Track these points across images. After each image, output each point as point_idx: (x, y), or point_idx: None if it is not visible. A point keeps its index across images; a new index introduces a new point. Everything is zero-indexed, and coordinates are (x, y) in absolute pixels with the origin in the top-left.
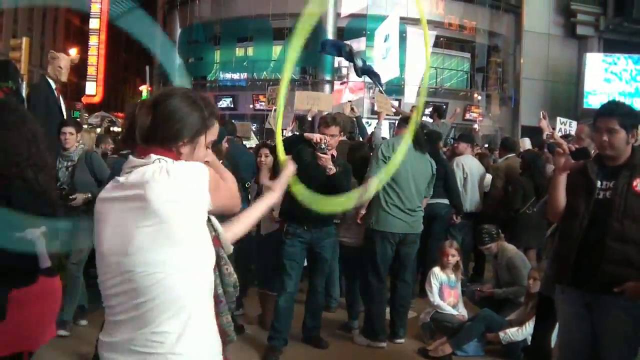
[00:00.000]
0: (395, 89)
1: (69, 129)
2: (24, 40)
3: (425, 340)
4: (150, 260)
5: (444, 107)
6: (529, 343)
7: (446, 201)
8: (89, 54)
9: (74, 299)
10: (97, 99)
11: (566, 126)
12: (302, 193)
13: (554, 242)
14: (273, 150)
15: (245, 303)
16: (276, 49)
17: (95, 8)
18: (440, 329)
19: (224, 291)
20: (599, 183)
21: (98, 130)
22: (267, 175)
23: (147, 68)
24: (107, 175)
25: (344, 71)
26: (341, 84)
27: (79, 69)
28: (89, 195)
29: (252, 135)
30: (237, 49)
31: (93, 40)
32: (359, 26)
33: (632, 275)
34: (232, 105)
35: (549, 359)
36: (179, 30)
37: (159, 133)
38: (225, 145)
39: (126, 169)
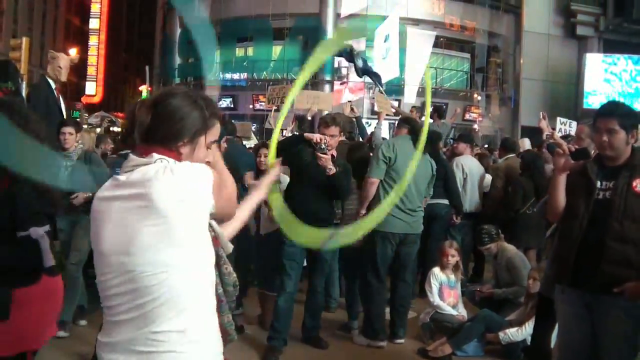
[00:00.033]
0: (395, 89)
1: (69, 129)
2: (24, 40)
3: (425, 340)
4: (153, 260)
5: (444, 107)
6: (529, 343)
7: (446, 201)
8: (89, 54)
9: (73, 299)
10: (97, 99)
11: (566, 126)
12: (280, 212)
13: (553, 242)
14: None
15: (245, 303)
16: (276, 49)
17: (95, 8)
18: (440, 329)
19: (224, 290)
20: (598, 183)
21: (98, 130)
22: (253, 176)
23: (147, 68)
24: (107, 175)
25: (344, 71)
26: (341, 84)
27: (79, 69)
28: (90, 195)
29: (252, 135)
30: (237, 49)
31: (93, 40)
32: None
33: (631, 275)
34: (232, 105)
35: (549, 359)
36: (178, 31)
37: (159, 132)
38: (223, 145)
39: (127, 167)
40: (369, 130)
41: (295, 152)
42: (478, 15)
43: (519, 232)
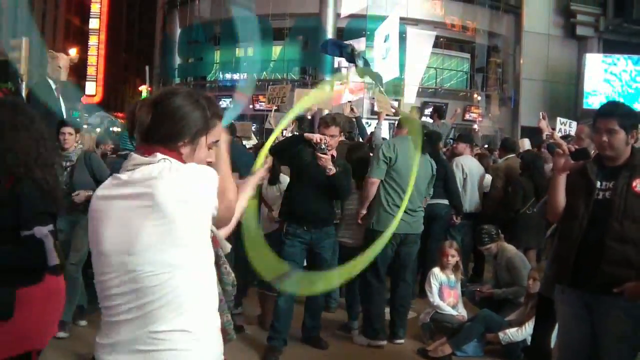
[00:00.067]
0: (395, 89)
1: (68, 129)
2: (24, 41)
3: (424, 340)
4: (156, 260)
5: (444, 107)
6: (529, 343)
7: (446, 202)
8: (88, 54)
9: (73, 299)
10: (97, 99)
11: (566, 126)
12: (256, 260)
13: (553, 242)
14: (272, 151)
15: (245, 303)
16: (276, 49)
17: (95, 8)
18: (440, 330)
19: (223, 290)
20: (598, 183)
21: (98, 130)
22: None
23: (147, 68)
24: (107, 175)
25: (344, 72)
26: (341, 84)
27: (79, 69)
28: (91, 193)
29: (252, 135)
30: (237, 49)
31: (93, 40)
32: (358, 26)
33: (631, 275)
34: (232, 106)
35: (549, 359)
36: (179, 31)
37: (159, 132)
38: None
39: (128, 166)
40: (369, 130)
41: (295, 152)
42: (478, 16)
43: (519, 232)
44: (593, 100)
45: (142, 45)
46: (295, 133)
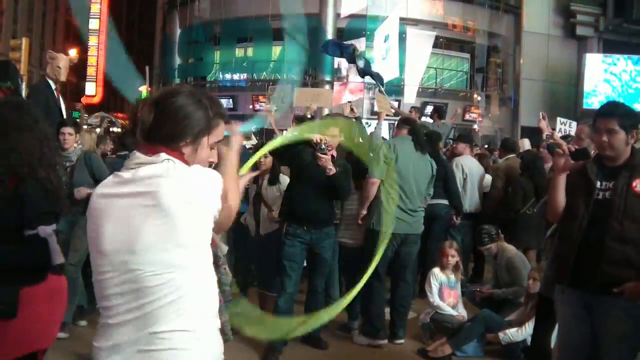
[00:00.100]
0: (395, 89)
1: (68, 129)
2: (24, 41)
3: (424, 340)
4: (158, 260)
5: (444, 107)
6: (529, 343)
7: (446, 202)
8: (88, 54)
9: (73, 300)
10: (96, 100)
11: (566, 126)
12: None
13: (553, 242)
14: (272, 151)
15: (244, 303)
16: (276, 50)
17: (95, 8)
18: (440, 330)
19: (221, 290)
20: (598, 183)
21: (97, 130)
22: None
23: (147, 68)
24: (107, 176)
25: (344, 72)
26: (341, 85)
27: (79, 70)
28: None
29: (252, 135)
30: (236, 49)
31: (93, 41)
32: (358, 27)
33: (631, 275)
34: (232, 106)
35: (549, 359)
36: (178, 31)
37: (161, 131)
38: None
39: (130, 164)
40: (369, 130)
41: (295, 152)
42: (478, 16)
43: (519, 232)
44: (593, 101)
45: (142, 46)
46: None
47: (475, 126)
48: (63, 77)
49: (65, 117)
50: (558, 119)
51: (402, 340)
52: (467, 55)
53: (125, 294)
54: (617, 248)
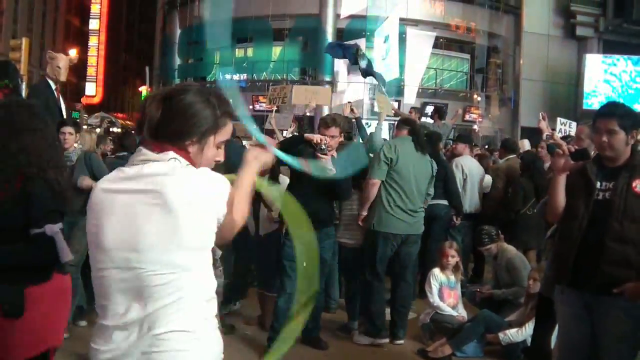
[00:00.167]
0: (395, 89)
1: (68, 129)
2: (24, 41)
3: (424, 341)
4: (160, 260)
5: (445, 108)
6: (529, 344)
7: (446, 202)
8: (88, 54)
9: (73, 300)
10: (96, 100)
11: (566, 127)
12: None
13: (553, 243)
14: None
15: (244, 303)
16: (276, 50)
17: (95, 9)
18: (440, 330)
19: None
20: (598, 184)
21: (97, 130)
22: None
23: (147, 69)
24: None
25: (343, 73)
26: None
27: (79, 70)
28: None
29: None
30: (236, 49)
31: (93, 41)
32: (358, 27)
33: (631, 276)
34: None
35: (549, 359)
36: (178, 31)
37: (168, 129)
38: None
39: (136, 160)
40: (369, 130)
41: (295, 152)
42: (478, 16)
43: (519, 232)
44: (593, 101)
45: (142, 46)
46: (295, 133)
47: (475, 127)
48: (63, 77)
49: (65, 117)
50: (558, 119)
51: (402, 341)
52: (467, 56)
53: (125, 293)
54: (617, 248)
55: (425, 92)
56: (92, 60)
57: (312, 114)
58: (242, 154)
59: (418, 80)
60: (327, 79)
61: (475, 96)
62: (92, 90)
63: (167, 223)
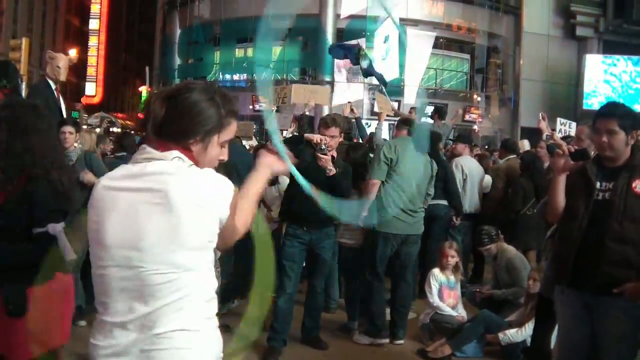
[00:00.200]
0: (395, 90)
1: (69, 128)
2: (24, 41)
3: (424, 341)
4: (162, 260)
5: (445, 108)
6: (529, 344)
7: (446, 202)
8: (88, 54)
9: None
10: (96, 100)
11: (566, 127)
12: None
13: (553, 243)
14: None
15: (244, 303)
16: (276, 50)
17: (95, 9)
18: (440, 330)
19: None
20: (598, 184)
21: (97, 130)
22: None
23: (147, 69)
24: None
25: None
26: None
27: (79, 70)
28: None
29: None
30: (236, 49)
31: (93, 41)
32: (358, 27)
33: (631, 276)
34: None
35: (549, 359)
36: (178, 31)
37: (172, 127)
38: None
39: (139, 158)
40: (369, 131)
41: (295, 152)
42: (478, 16)
43: (519, 233)
44: (593, 101)
45: (142, 46)
46: (295, 134)
47: (475, 127)
48: (63, 77)
49: (65, 117)
50: (558, 119)
51: (402, 341)
52: (467, 56)
53: (126, 291)
54: (616, 248)
55: (425, 92)
56: (92, 60)
57: (312, 114)
58: (242, 154)
59: (418, 81)
60: (327, 79)
61: (475, 96)
62: (92, 90)
63: (168, 222)
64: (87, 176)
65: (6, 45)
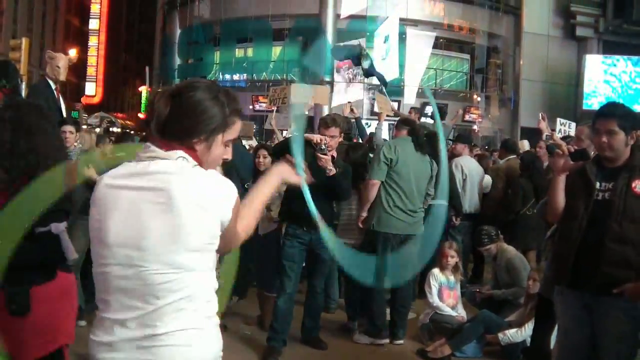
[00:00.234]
0: (395, 90)
1: (69, 128)
2: (24, 41)
3: (424, 341)
4: (163, 260)
5: (445, 108)
6: (528, 344)
7: (445, 202)
8: (88, 54)
9: None
10: (96, 100)
11: (565, 127)
12: None
13: (553, 243)
14: (273, 151)
15: (244, 303)
16: (276, 50)
17: (95, 9)
18: (440, 330)
19: None
20: (598, 184)
21: (97, 130)
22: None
23: (147, 69)
24: None
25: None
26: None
27: (79, 70)
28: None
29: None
30: (236, 49)
31: (93, 41)
32: (358, 27)
33: (630, 276)
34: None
35: None
36: (178, 31)
37: (176, 126)
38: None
39: (143, 157)
40: (369, 131)
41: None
42: (478, 17)
43: (519, 233)
44: (593, 101)
45: (141, 46)
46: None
47: (475, 127)
48: (62, 77)
49: (65, 117)
50: (558, 119)
51: (401, 341)
52: (467, 56)
53: (127, 290)
54: (616, 249)
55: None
56: (92, 60)
57: (312, 114)
58: (242, 154)
59: (418, 81)
60: (327, 79)
61: (475, 96)
62: (92, 90)
63: (170, 222)
64: (89, 171)
65: (6, 45)
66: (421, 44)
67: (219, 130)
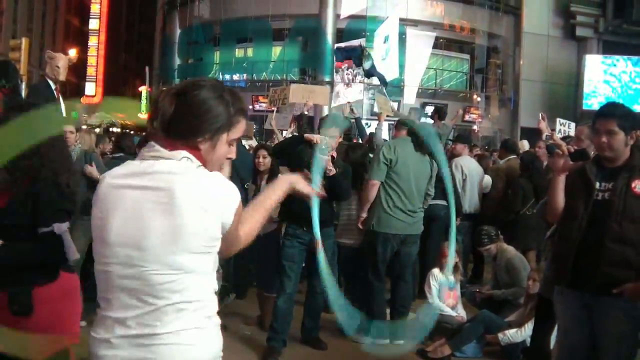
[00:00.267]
0: (395, 90)
1: (69, 128)
2: (24, 41)
3: (424, 341)
4: (163, 261)
5: (445, 108)
6: (528, 344)
7: (445, 202)
8: (88, 54)
9: None
10: (96, 100)
11: (565, 127)
12: None
13: (553, 243)
14: (273, 151)
15: (244, 303)
16: (276, 50)
17: (94, 9)
18: (439, 330)
19: None
20: (597, 184)
21: (97, 130)
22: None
23: (147, 69)
24: None
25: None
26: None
27: (79, 70)
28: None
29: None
30: (236, 49)
31: (92, 41)
32: (358, 27)
33: (630, 276)
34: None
35: None
36: (178, 31)
37: (181, 125)
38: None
39: (146, 156)
40: (369, 131)
41: (295, 152)
42: (477, 17)
43: (519, 233)
44: (592, 102)
45: (141, 46)
46: (295, 134)
47: (475, 127)
48: (62, 77)
49: (65, 117)
50: (558, 120)
51: (401, 341)
52: (467, 56)
53: (128, 290)
54: (616, 249)
55: (425, 93)
56: (92, 60)
57: (312, 114)
58: (242, 155)
59: (418, 81)
60: (327, 79)
61: (475, 96)
62: (92, 90)
63: (171, 223)
64: (89, 170)
65: (6, 45)
66: (421, 44)
67: (223, 129)
